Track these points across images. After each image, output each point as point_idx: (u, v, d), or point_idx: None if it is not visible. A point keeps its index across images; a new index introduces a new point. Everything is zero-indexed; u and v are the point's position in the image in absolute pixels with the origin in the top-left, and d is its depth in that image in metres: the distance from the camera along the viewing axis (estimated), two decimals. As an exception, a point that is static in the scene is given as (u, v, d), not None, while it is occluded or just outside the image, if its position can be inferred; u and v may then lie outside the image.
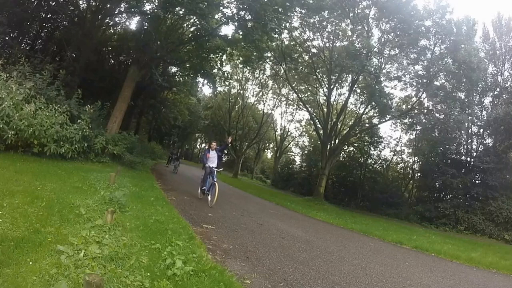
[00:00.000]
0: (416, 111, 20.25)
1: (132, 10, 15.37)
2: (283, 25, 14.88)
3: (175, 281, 3.01)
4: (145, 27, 16.60)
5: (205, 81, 20.72)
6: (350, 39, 20.34)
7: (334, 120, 23.39)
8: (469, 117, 19.34)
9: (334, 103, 25.32)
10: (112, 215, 4.10)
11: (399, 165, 28.98)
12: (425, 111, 19.76)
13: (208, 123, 39.14)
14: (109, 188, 6.52)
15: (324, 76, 23.27)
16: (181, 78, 25.70)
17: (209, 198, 8.23)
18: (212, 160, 8.76)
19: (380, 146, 27.68)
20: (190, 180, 15.97)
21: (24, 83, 8.92)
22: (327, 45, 21.82)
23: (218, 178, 8.68)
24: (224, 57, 19.75)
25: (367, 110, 22.94)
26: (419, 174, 25.38)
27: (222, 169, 9.62)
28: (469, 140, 20.81)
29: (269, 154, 53.01)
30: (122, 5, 15.77)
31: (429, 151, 22.94)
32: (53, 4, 15.42)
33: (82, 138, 9.71)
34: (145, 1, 14.37)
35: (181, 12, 15.05)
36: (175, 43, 17.35)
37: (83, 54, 15.32)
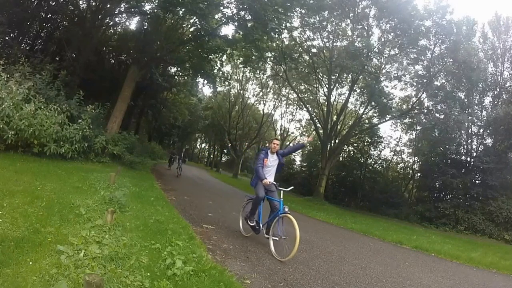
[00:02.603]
0: (416, 111, 20.28)
1: (132, 10, 15.39)
2: (283, 25, 14.86)
3: (175, 281, 3.01)
4: (145, 27, 16.61)
5: (205, 81, 20.73)
6: (350, 39, 20.35)
7: (334, 120, 23.40)
8: (469, 117, 19.35)
9: (334, 103, 25.34)
10: (112, 215, 4.10)
11: (399, 165, 29.04)
12: (425, 111, 19.79)
13: (208, 123, 39.16)
14: (109, 188, 6.51)
15: (324, 76, 23.28)
16: (181, 78, 25.69)
17: (272, 242, 4.70)
18: (271, 171, 5.21)
19: (380, 146, 27.82)
20: (190, 180, 15.97)
21: (24, 83, 8.91)
22: (327, 45, 21.84)
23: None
24: (224, 57, 19.76)
25: (367, 110, 22.97)
26: (419, 174, 25.41)
27: (292, 187, 5.27)
28: (469, 140, 20.82)
29: (269, 154, 52.94)
30: (122, 5, 15.77)
31: (429, 151, 22.98)
32: (53, 4, 15.41)
33: (82, 138, 9.72)
34: (145, 1, 14.37)
35: (181, 12, 15.03)
36: (175, 43, 17.34)
37: (83, 54, 15.32)
